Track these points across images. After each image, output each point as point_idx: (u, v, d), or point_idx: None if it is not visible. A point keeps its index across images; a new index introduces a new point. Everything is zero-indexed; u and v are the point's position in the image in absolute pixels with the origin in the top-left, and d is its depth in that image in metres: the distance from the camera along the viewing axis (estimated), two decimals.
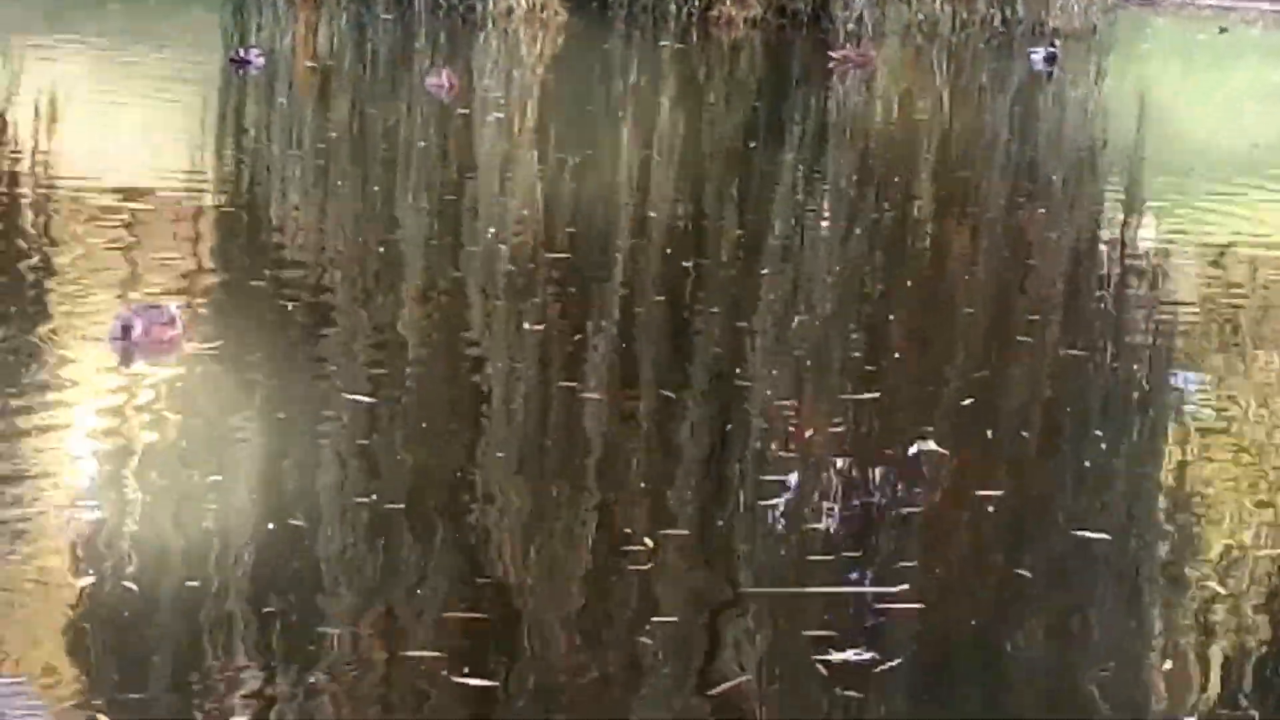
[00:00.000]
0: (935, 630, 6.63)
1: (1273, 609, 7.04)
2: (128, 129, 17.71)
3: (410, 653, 6.11)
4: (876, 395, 9.44)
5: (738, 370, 9.83)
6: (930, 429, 8.88)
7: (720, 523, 7.61)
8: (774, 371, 10.00)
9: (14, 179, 14.67)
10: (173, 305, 9.70)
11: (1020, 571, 7.19)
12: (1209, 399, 10.17)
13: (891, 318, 11.49)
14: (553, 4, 29.34)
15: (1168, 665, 6.51)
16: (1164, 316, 12.16)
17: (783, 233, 13.97)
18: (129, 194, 13.79)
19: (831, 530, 7.58)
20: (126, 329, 9.27)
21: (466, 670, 5.97)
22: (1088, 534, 7.61)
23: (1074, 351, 10.86)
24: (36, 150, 16.03)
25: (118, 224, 12.87)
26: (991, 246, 14.55)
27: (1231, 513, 8.25)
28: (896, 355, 10.62)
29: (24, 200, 13.92)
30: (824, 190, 16.43)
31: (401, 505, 7.45)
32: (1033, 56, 28.45)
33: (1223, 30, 38.27)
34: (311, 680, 5.89)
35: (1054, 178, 18.65)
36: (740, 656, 6.30)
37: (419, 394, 9.18)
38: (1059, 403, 9.89)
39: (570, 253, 12.69)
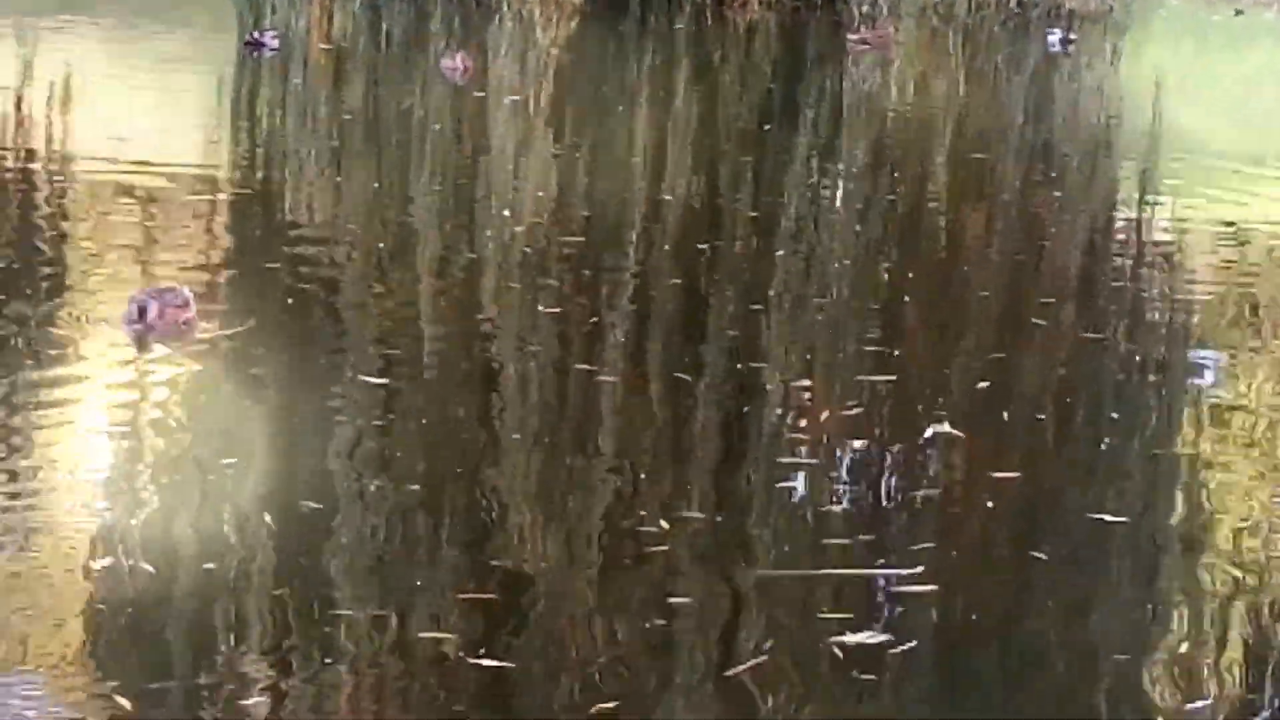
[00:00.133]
0: (951, 613, 6.62)
1: None
2: (142, 111, 17.72)
3: (425, 634, 6.11)
4: (892, 378, 9.43)
5: (752, 353, 9.82)
6: (946, 412, 8.86)
7: (735, 505, 7.60)
8: (789, 354, 9.99)
9: (29, 160, 14.68)
10: (186, 288, 9.69)
11: (1036, 554, 7.17)
12: (1226, 380, 10.14)
13: (907, 300, 11.47)
14: None
15: (1185, 649, 6.49)
16: (1180, 298, 12.13)
17: (798, 215, 13.96)
18: (143, 176, 13.80)
19: (846, 513, 7.56)
20: (142, 311, 9.26)
21: (481, 652, 5.96)
22: (1104, 517, 7.60)
23: (1090, 334, 10.83)
24: (51, 132, 16.04)
25: (132, 206, 12.87)
26: (1007, 229, 14.53)
27: (1249, 495, 8.23)
28: (912, 338, 10.60)
29: (38, 182, 13.93)
30: (839, 172, 16.40)
31: (416, 487, 7.45)
32: (1049, 38, 28.39)
33: (1238, 13, 38.20)
34: (326, 662, 5.88)
35: (1070, 160, 18.62)
36: (755, 639, 6.29)
37: (434, 376, 9.18)
38: (1075, 385, 9.87)
39: (585, 235, 12.68)
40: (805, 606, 6.56)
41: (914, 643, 6.24)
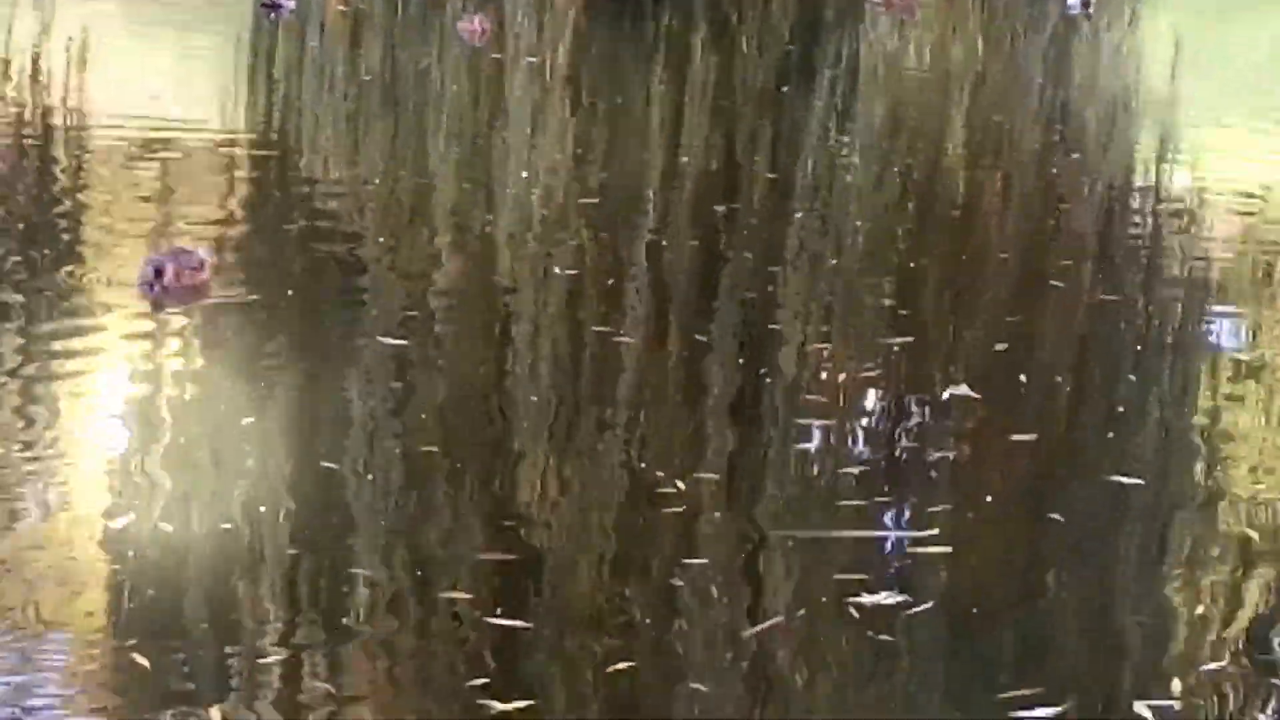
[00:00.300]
0: (967, 574, 6.62)
1: None
2: (158, 73, 17.70)
3: (442, 594, 6.12)
4: (909, 339, 9.41)
5: (770, 314, 9.80)
6: (963, 374, 8.85)
7: (752, 466, 7.60)
8: (806, 315, 9.98)
9: (45, 122, 14.68)
10: (201, 250, 9.69)
11: (1053, 516, 7.17)
12: (1244, 343, 10.12)
13: (924, 262, 11.45)
14: None
15: (1200, 609, 6.49)
16: (1198, 260, 12.10)
17: (815, 177, 13.93)
18: (159, 138, 13.79)
19: (863, 474, 7.56)
20: (158, 272, 9.26)
21: (499, 611, 5.97)
22: (1121, 479, 7.59)
23: (1108, 296, 10.81)
24: (67, 94, 16.03)
25: (148, 168, 12.87)
26: (1025, 191, 14.49)
27: (1266, 456, 8.22)
28: (929, 299, 10.58)
29: (54, 144, 13.93)
30: (857, 134, 16.36)
31: (434, 448, 7.46)
32: (1068, 0, 28.29)
33: None
34: (343, 621, 5.90)
35: (1088, 122, 18.56)
36: (771, 599, 6.29)
37: (451, 337, 9.18)
38: (1093, 347, 9.85)
39: (602, 196, 12.66)
40: (821, 567, 6.56)
41: (930, 603, 6.24)
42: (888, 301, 10.26)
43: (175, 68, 18.16)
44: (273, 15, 21.43)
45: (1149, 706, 5.68)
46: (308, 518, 6.66)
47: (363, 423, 7.74)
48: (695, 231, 11.69)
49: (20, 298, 9.15)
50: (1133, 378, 9.28)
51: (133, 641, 5.61)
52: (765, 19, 26.39)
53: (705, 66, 20.09)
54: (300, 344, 8.80)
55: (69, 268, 9.78)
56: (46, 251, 10.12)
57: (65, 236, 10.61)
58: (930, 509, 7.10)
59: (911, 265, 11.32)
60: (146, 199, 11.91)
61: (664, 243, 11.29)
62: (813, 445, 7.80)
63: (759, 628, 6.06)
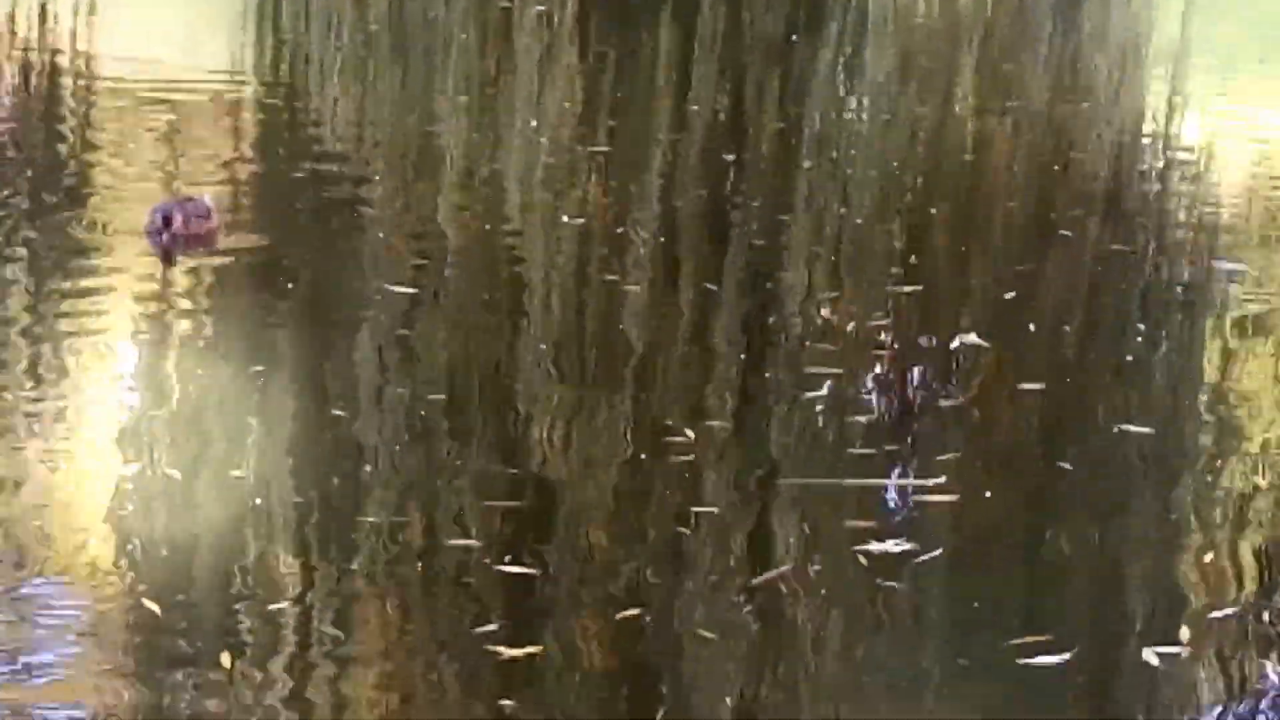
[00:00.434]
0: (975, 522, 6.63)
1: None
2: (164, 19, 17.64)
3: (451, 541, 6.13)
4: (918, 288, 9.40)
5: (779, 262, 9.79)
6: (972, 322, 8.84)
7: (761, 415, 7.60)
8: (815, 264, 9.97)
9: (53, 70, 14.65)
10: (208, 197, 9.68)
11: (1061, 464, 7.17)
12: (1252, 293, 10.10)
13: (934, 211, 11.43)
14: None
15: (1208, 558, 6.50)
16: (1209, 208, 12.07)
17: (824, 126, 13.89)
18: (166, 85, 13.76)
19: (872, 422, 7.56)
20: (166, 220, 9.25)
21: (507, 559, 5.98)
22: (1129, 428, 7.59)
23: (1116, 246, 10.79)
24: (75, 41, 15.99)
25: (156, 116, 12.84)
26: (1034, 140, 14.45)
27: (1273, 406, 8.21)
28: (938, 248, 10.57)
29: (62, 91, 13.90)
30: (866, 83, 16.31)
31: (442, 396, 7.46)
32: None
33: None
34: (352, 569, 5.92)
35: (1098, 70, 18.49)
36: (781, 547, 6.30)
37: (459, 285, 9.17)
38: (1101, 297, 9.84)
39: (610, 145, 12.64)
40: (830, 515, 6.57)
41: (938, 550, 6.25)
42: (897, 250, 10.24)
43: (182, 14, 18.10)
44: None
45: (1156, 653, 5.69)
46: (316, 466, 6.67)
47: (371, 371, 7.75)
48: (704, 180, 11.67)
49: (29, 247, 9.15)
50: (1141, 327, 9.27)
51: (143, 589, 5.63)
52: None
53: (714, 15, 20.02)
54: (308, 292, 8.79)
55: (77, 216, 9.78)
56: (55, 200, 10.11)
57: (73, 185, 10.60)
58: (939, 457, 7.10)
59: (921, 214, 11.30)
60: (154, 147, 11.90)
61: (672, 191, 11.27)
62: (822, 394, 7.80)
63: (767, 575, 6.07)
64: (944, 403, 7.88)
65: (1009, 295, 9.47)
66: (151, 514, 6.18)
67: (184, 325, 8.20)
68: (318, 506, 6.34)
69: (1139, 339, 9.08)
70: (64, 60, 15.06)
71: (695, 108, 14.26)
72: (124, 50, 15.51)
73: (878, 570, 6.10)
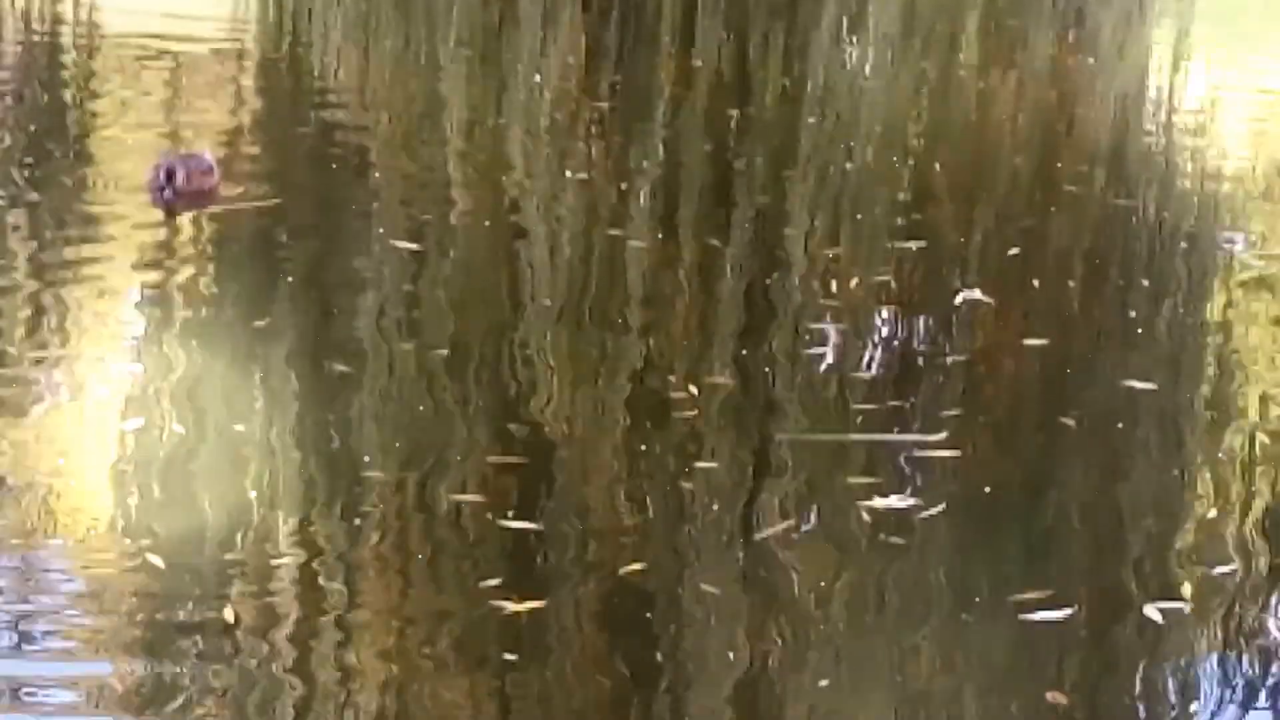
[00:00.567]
0: (978, 478, 6.62)
1: None
2: None
3: (454, 496, 6.13)
4: (922, 244, 9.39)
5: (782, 218, 9.78)
6: (976, 278, 8.83)
7: (764, 370, 7.60)
8: (819, 219, 9.95)
9: (54, 25, 14.62)
10: (208, 153, 9.65)
11: (1065, 420, 7.16)
12: (1256, 248, 10.08)
13: (938, 166, 11.40)
14: None
15: (1211, 514, 6.50)
16: (1213, 165, 12.04)
17: (828, 80, 13.85)
18: (168, 39, 13.72)
19: (875, 378, 7.56)
20: (169, 176, 9.23)
21: (510, 514, 5.98)
22: (1133, 384, 7.58)
23: (1121, 201, 10.77)
24: None
25: (158, 71, 12.82)
26: (1039, 95, 14.40)
27: (1277, 362, 8.20)
28: (942, 204, 10.55)
29: (63, 47, 13.87)
30: (870, 38, 16.26)
31: (445, 350, 7.46)
32: None
33: None
34: (356, 523, 5.92)
35: (1103, 25, 18.42)
36: (783, 502, 6.30)
37: (462, 240, 9.16)
38: (1106, 253, 9.82)
39: (614, 100, 12.61)
40: (833, 471, 6.57)
41: (942, 506, 6.25)
42: (901, 205, 10.22)
43: None
44: None
45: (1159, 609, 5.70)
46: (319, 420, 6.66)
47: (374, 326, 7.74)
48: (707, 136, 11.64)
49: (31, 201, 9.14)
50: (1145, 282, 9.25)
51: (146, 542, 5.63)
52: None
53: None
54: (311, 247, 8.78)
55: (80, 171, 9.76)
56: (57, 155, 10.10)
57: (74, 140, 10.58)
58: (942, 413, 7.10)
59: (924, 170, 11.28)
60: (156, 102, 11.87)
61: (676, 146, 11.24)
62: (825, 349, 7.79)
63: (770, 531, 6.08)
64: (947, 359, 7.87)
65: (1013, 251, 9.45)
66: (155, 469, 6.18)
67: (185, 280, 8.19)
68: (320, 460, 6.34)
69: (1143, 294, 9.06)
70: (66, 11, 15.03)
71: (699, 63, 14.23)
72: (126, 3, 15.47)
73: (880, 526, 6.10)
